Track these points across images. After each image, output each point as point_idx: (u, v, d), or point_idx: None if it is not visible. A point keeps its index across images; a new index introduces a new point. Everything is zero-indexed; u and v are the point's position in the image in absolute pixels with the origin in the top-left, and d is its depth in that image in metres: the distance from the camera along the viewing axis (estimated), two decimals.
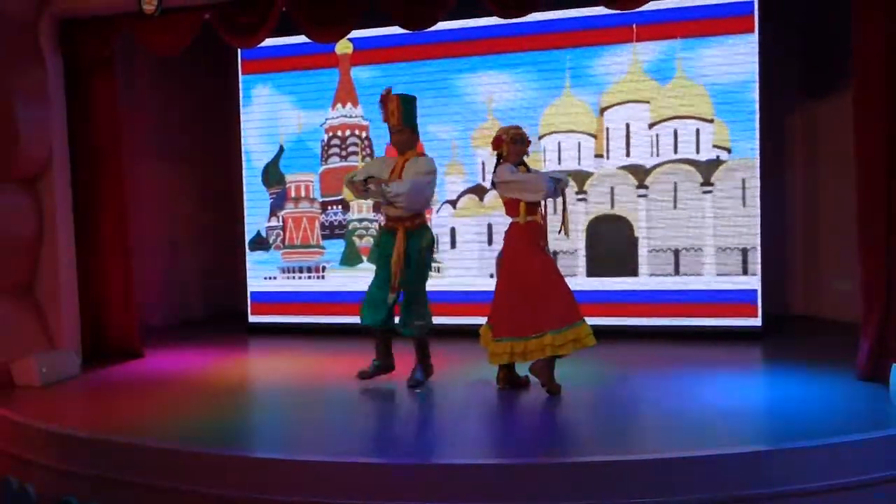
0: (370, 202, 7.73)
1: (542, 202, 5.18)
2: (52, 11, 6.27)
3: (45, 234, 6.32)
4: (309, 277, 7.90)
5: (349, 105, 7.79)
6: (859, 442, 3.92)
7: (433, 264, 5.40)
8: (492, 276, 7.33)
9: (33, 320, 6.26)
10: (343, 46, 7.61)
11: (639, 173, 7.04)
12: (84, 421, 4.88)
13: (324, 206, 7.90)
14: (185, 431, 4.52)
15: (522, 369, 5.25)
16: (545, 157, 7.27)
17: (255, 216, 8.09)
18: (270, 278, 8.02)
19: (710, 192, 6.88)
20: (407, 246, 5.22)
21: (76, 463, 4.44)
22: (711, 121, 6.85)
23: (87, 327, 6.57)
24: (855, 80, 5.12)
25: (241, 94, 8.05)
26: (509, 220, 5.20)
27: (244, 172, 8.11)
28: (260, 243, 8.07)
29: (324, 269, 7.86)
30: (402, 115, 5.29)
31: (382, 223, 5.51)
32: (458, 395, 5.27)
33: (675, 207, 6.96)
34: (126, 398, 5.41)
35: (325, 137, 7.87)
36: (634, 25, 6.91)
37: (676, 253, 6.96)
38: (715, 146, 6.86)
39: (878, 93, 4.93)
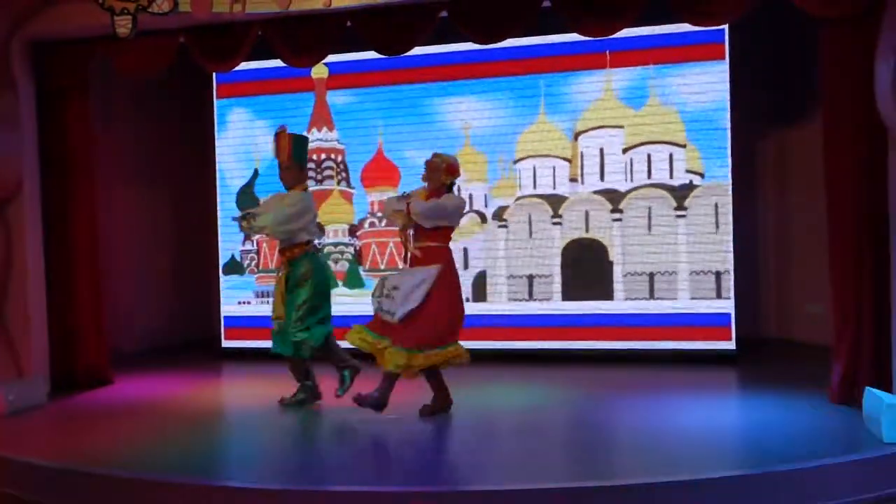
0: (345, 226, 7.72)
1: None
2: (24, 34, 6.22)
3: (14, 259, 6.23)
4: None
5: (325, 129, 7.78)
6: (834, 466, 3.94)
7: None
8: (468, 299, 7.33)
9: (1, 347, 6.14)
10: (319, 70, 7.61)
11: (613, 198, 7.09)
12: (50, 450, 4.78)
13: None
14: (153, 460, 4.44)
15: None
16: (520, 182, 7.29)
17: (230, 240, 8.03)
18: (244, 303, 7.95)
19: (683, 216, 6.94)
20: (289, 274, 5.53)
21: (42, 493, 4.33)
22: (684, 146, 6.93)
23: (57, 354, 6.45)
24: (823, 107, 5.22)
25: (215, 118, 8.03)
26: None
27: (219, 196, 8.05)
28: (234, 267, 8.00)
29: None
30: (292, 152, 5.57)
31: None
32: (432, 420, 5.23)
33: (649, 231, 7.01)
34: (94, 426, 5.31)
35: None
36: (608, 52, 6.99)
37: (651, 276, 6.99)
38: (688, 171, 6.93)
39: (845, 119, 5.02)
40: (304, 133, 5.86)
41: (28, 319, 6.23)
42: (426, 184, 5.22)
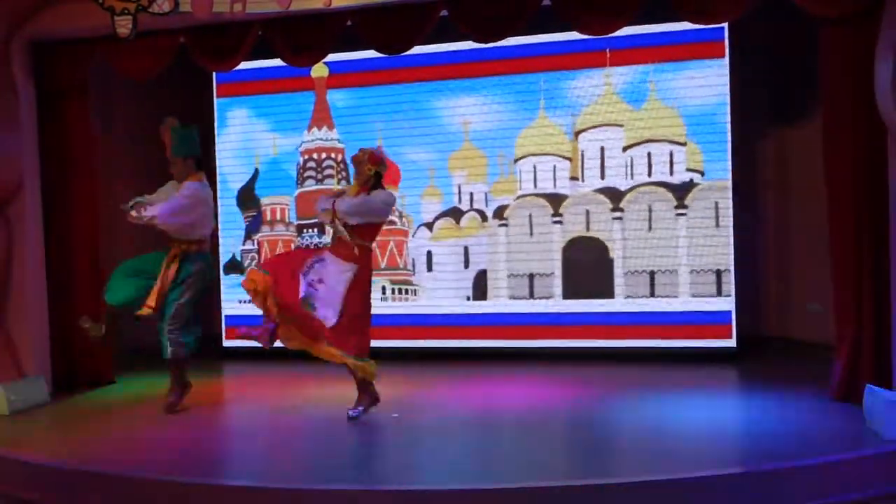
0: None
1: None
2: (25, 35, 6.22)
3: (14, 259, 6.23)
4: None
5: (325, 128, 7.78)
6: (834, 463, 3.95)
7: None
8: (468, 298, 7.35)
9: (2, 347, 6.14)
10: (319, 70, 7.61)
11: (614, 196, 7.10)
12: (52, 449, 4.79)
13: (299, 229, 7.86)
14: (155, 459, 4.44)
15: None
16: (521, 181, 7.30)
17: (230, 239, 8.04)
18: (245, 302, 7.93)
19: (683, 214, 6.94)
20: (179, 268, 5.36)
21: (44, 493, 4.34)
22: (684, 144, 6.93)
23: (58, 354, 6.46)
24: (823, 105, 5.22)
25: (216, 118, 8.03)
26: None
27: (219, 195, 8.05)
28: (235, 267, 8.01)
29: None
30: (172, 146, 5.43)
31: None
32: (433, 419, 5.23)
33: (649, 230, 7.02)
34: (96, 426, 5.32)
35: (301, 160, 7.85)
36: (608, 50, 6.99)
37: (651, 275, 7.00)
38: (688, 169, 6.93)
39: (845, 118, 5.03)
40: (190, 124, 5.62)
41: (29, 319, 6.23)
42: (355, 180, 5.23)
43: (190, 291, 5.40)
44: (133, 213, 5.32)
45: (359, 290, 5.08)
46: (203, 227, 5.48)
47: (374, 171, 5.15)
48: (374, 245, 5.28)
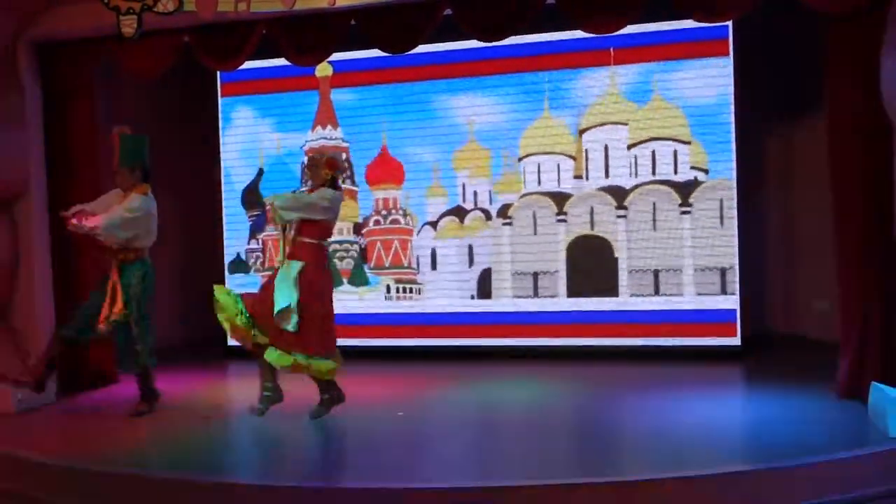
0: (350, 224, 7.73)
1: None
2: (31, 35, 6.24)
3: (21, 258, 6.25)
4: None
5: (329, 127, 7.79)
6: (840, 460, 3.94)
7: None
8: (473, 297, 7.35)
9: (8, 346, 6.16)
10: (323, 69, 7.62)
11: (618, 194, 7.09)
12: (58, 448, 4.81)
13: None
14: (160, 458, 4.46)
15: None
16: (525, 179, 7.30)
17: (235, 239, 8.05)
18: None
19: (688, 212, 6.94)
20: (120, 279, 5.32)
21: (50, 491, 4.36)
22: (689, 142, 6.93)
23: (64, 353, 6.44)
24: (828, 103, 5.21)
25: (220, 117, 8.04)
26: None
27: (224, 195, 8.08)
28: (240, 266, 8.02)
29: None
30: (120, 156, 5.36)
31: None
32: (437, 418, 5.24)
33: (654, 228, 7.01)
34: (101, 425, 5.34)
35: (305, 159, 7.86)
36: (612, 48, 6.99)
37: (656, 273, 6.99)
38: (693, 167, 6.93)
39: (851, 115, 5.01)
40: (142, 134, 5.59)
41: (35, 319, 6.25)
42: (312, 182, 5.22)
43: (135, 303, 5.36)
44: (74, 221, 5.26)
45: (310, 290, 5.01)
46: (145, 240, 5.45)
47: (330, 176, 5.15)
48: (310, 241, 5.13)
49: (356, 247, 7.72)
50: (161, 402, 5.70)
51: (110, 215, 5.25)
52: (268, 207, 5.29)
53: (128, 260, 5.39)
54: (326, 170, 5.13)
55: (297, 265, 5.03)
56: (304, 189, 5.25)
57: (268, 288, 5.10)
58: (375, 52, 6.58)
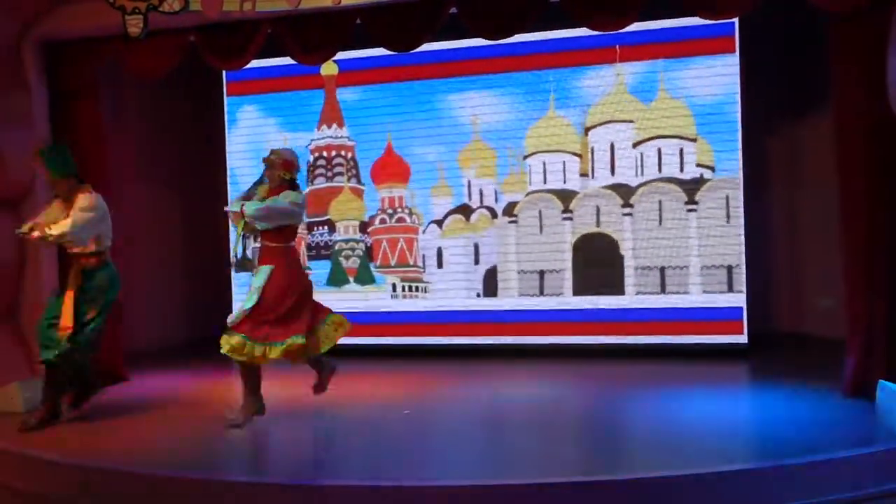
0: (356, 222, 7.74)
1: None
2: (36, 35, 6.25)
3: (28, 258, 6.27)
4: None
5: (334, 126, 7.80)
6: (847, 459, 3.93)
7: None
8: (479, 295, 7.36)
9: (16, 346, 6.18)
10: (328, 68, 7.63)
11: (624, 192, 7.08)
12: (66, 447, 4.82)
13: (309, 226, 7.88)
14: (167, 456, 4.47)
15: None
16: (530, 177, 7.29)
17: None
18: None
19: (694, 210, 6.92)
20: (83, 283, 5.22)
21: (59, 489, 4.38)
22: (695, 140, 6.91)
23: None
24: (834, 100, 5.20)
25: (226, 116, 8.06)
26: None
27: (229, 193, 8.08)
28: (245, 265, 8.04)
29: None
30: (51, 170, 5.29)
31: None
32: (443, 416, 5.25)
33: (660, 226, 7.00)
34: (109, 423, 5.35)
35: (311, 158, 7.87)
36: (618, 46, 6.98)
37: (662, 271, 6.99)
38: (698, 165, 6.91)
39: (856, 113, 5.00)
40: (59, 145, 5.55)
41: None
42: (268, 181, 5.13)
43: (97, 309, 5.27)
44: (36, 233, 5.14)
45: (272, 285, 4.97)
46: (107, 238, 5.38)
47: (288, 177, 5.10)
48: (277, 245, 5.11)
49: (362, 245, 7.72)
50: (176, 399, 5.70)
51: (73, 218, 5.12)
52: (229, 211, 5.13)
53: (88, 265, 5.27)
54: (283, 171, 5.06)
55: (266, 270, 5.01)
56: (256, 190, 5.12)
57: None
58: (381, 51, 6.59)
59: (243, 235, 5.11)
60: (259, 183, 5.17)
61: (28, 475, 4.56)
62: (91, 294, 5.26)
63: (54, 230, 5.10)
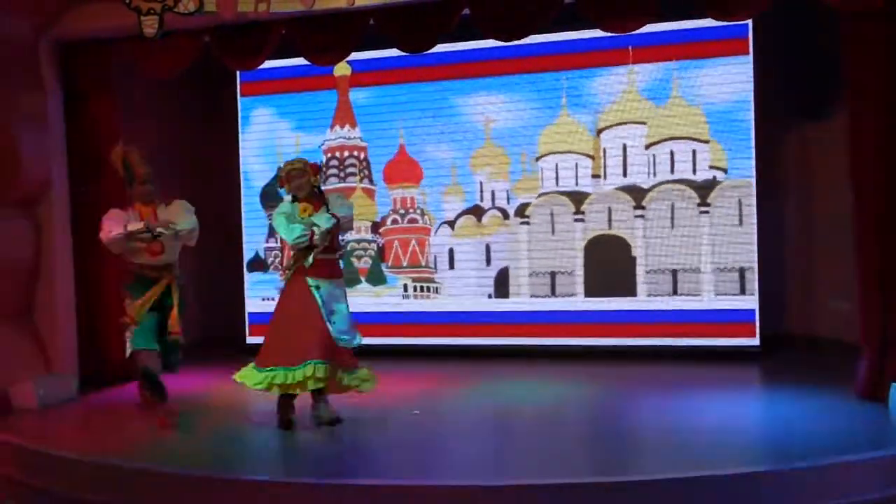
0: (368, 223, 7.76)
1: None
2: (52, 35, 6.31)
3: (43, 257, 6.32)
4: None
5: (347, 126, 7.82)
6: (860, 462, 3.92)
7: None
8: (490, 296, 7.36)
9: (31, 344, 6.24)
10: (341, 68, 7.65)
11: (636, 194, 7.07)
12: (80, 444, 4.85)
13: None
14: (180, 454, 4.49)
15: None
16: (543, 178, 7.29)
17: (254, 237, 8.10)
18: (268, 299, 7.99)
19: (706, 212, 6.90)
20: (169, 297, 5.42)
21: (73, 486, 4.41)
22: (707, 142, 6.89)
23: (86, 350, 6.53)
24: (848, 102, 5.17)
25: (239, 116, 8.09)
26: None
27: (243, 193, 8.13)
28: (258, 264, 8.07)
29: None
30: (139, 173, 5.46)
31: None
32: (454, 416, 5.25)
33: (672, 228, 6.98)
34: (123, 421, 5.39)
35: (324, 159, 7.90)
36: (630, 48, 6.96)
37: (674, 273, 6.97)
38: (711, 167, 6.89)
39: (870, 114, 4.98)
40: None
41: (57, 316, 6.32)
42: (292, 195, 5.00)
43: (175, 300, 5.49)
44: (168, 231, 5.32)
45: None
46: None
47: (318, 183, 5.05)
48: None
49: (374, 245, 7.74)
50: (188, 398, 5.75)
51: (187, 219, 5.36)
52: (323, 229, 4.90)
53: (173, 275, 5.48)
54: (314, 176, 5.00)
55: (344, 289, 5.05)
56: (288, 197, 5.08)
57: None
58: (394, 52, 6.60)
59: (311, 249, 4.94)
60: (291, 201, 5.00)
61: (40, 471, 4.60)
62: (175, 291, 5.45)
63: (182, 224, 5.30)
